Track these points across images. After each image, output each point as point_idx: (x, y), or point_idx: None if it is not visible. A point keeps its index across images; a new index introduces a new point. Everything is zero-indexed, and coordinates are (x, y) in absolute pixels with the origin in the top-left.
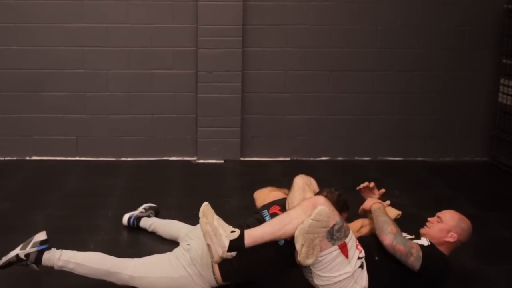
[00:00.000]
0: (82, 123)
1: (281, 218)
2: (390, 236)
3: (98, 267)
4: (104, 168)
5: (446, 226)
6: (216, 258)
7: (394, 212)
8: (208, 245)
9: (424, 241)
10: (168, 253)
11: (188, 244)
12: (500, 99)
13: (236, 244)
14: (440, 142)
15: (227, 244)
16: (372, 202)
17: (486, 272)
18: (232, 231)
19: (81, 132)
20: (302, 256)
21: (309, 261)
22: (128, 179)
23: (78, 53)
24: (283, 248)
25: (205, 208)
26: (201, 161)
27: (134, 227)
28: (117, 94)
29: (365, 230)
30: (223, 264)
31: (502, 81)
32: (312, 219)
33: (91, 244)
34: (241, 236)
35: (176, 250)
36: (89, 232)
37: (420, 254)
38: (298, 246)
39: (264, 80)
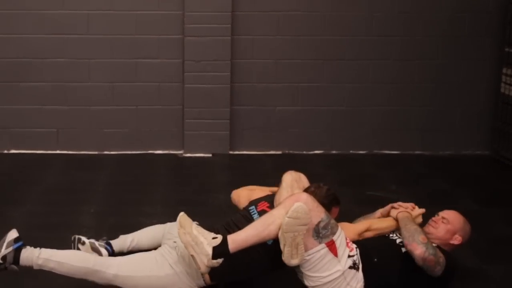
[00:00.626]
0: (63, 114)
1: (264, 219)
2: (422, 246)
3: (81, 265)
4: (86, 162)
5: (453, 228)
6: (203, 268)
7: (419, 218)
8: (192, 256)
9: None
10: (154, 251)
11: (174, 242)
12: (502, 90)
13: (220, 250)
14: (439, 135)
15: (210, 251)
16: (398, 211)
17: (487, 271)
18: (214, 237)
19: (61, 124)
20: (286, 256)
21: (294, 261)
22: (111, 173)
23: (59, 41)
24: (272, 248)
25: (182, 219)
26: (188, 154)
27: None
28: (99, 84)
29: (369, 235)
30: None
31: (504, 70)
32: (288, 217)
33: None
34: (224, 241)
35: (161, 248)
36: (70, 230)
37: (444, 261)
38: (281, 246)
39: (254, 70)
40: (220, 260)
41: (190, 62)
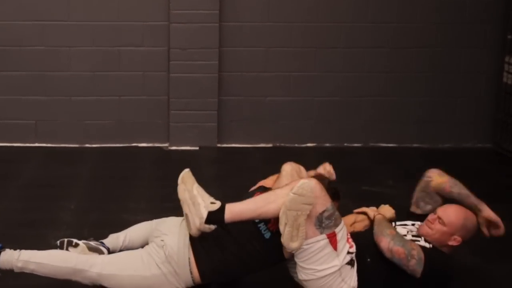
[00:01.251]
0: (42, 105)
1: (266, 196)
2: (387, 237)
3: (62, 265)
4: (66, 156)
5: (450, 229)
6: (194, 229)
7: (390, 213)
8: (186, 215)
9: (423, 243)
10: (140, 250)
11: (162, 240)
12: (505, 79)
13: (215, 217)
14: (438, 127)
15: (205, 215)
16: (374, 212)
17: (488, 270)
18: (212, 202)
19: (40, 116)
20: (286, 237)
21: (293, 245)
22: (92, 167)
23: (37, 28)
24: (269, 242)
25: (186, 175)
26: (174, 147)
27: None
28: (80, 73)
29: (359, 226)
30: (201, 261)
31: (507, 59)
32: (294, 193)
33: (52, 240)
34: (222, 208)
35: (148, 246)
36: (49, 227)
37: (422, 256)
38: (281, 227)
39: (244, 58)
40: (212, 227)
41: (176, 50)
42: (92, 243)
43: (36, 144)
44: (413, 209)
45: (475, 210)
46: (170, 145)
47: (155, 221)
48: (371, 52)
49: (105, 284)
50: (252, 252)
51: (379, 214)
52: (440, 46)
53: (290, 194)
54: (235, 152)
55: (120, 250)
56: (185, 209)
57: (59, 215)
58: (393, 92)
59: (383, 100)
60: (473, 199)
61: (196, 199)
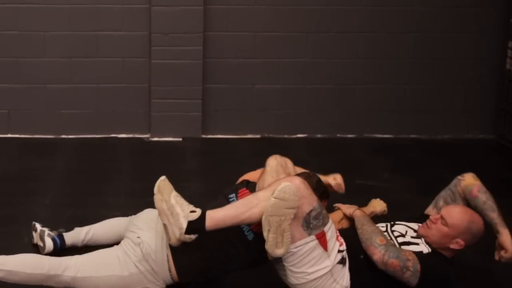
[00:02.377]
0: (15, 94)
1: (248, 200)
2: (380, 249)
3: (34, 271)
4: (40, 147)
5: (452, 231)
6: (174, 240)
7: (381, 207)
8: (164, 225)
9: (422, 247)
10: (115, 247)
11: (138, 237)
12: (508, 66)
13: (195, 226)
14: (437, 117)
15: (184, 225)
16: (353, 209)
17: (491, 270)
18: (192, 211)
19: (13, 105)
20: (270, 244)
21: (279, 251)
22: (69, 160)
23: (10, 11)
24: (252, 243)
25: (162, 183)
26: (155, 138)
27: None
28: (56, 59)
29: (347, 222)
30: (179, 258)
31: (510, 44)
32: (275, 197)
33: (25, 237)
34: (202, 217)
35: (123, 243)
36: (23, 223)
37: (418, 268)
38: (265, 233)
39: (230, 44)
40: (193, 236)
41: (157, 35)
42: (45, 233)
43: (9, 135)
44: (428, 210)
45: (493, 229)
46: (152, 136)
47: (132, 216)
48: (365, 37)
49: (80, 287)
50: (234, 253)
51: (358, 210)
52: (439, 31)
53: (271, 198)
54: (221, 143)
55: (83, 245)
56: (164, 219)
57: (33, 210)
58: (389, 80)
59: (378, 88)
60: (496, 216)
61: (174, 209)
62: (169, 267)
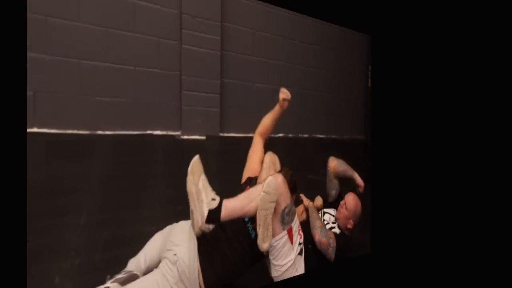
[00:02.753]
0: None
1: (249, 193)
2: (317, 230)
3: None
4: (74, 147)
5: (349, 214)
6: (196, 229)
7: (319, 201)
8: (192, 211)
9: (337, 229)
10: (155, 271)
11: (175, 255)
12: (369, 84)
13: (213, 216)
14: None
15: (206, 213)
16: (307, 201)
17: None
18: (213, 199)
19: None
20: (260, 238)
21: (265, 245)
22: (105, 164)
23: None
24: (254, 242)
25: (195, 164)
26: (185, 136)
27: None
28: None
29: (305, 215)
30: (207, 273)
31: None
32: (263, 191)
33: (56, 277)
34: (219, 207)
35: (162, 265)
36: (55, 258)
37: (335, 245)
38: (257, 228)
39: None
40: (211, 226)
41: (187, 16)
42: (121, 276)
43: (35, 130)
44: (329, 198)
45: (351, 178)
46: (182, 134)
47: (166, 229)
48: None
49: None
50: (242, 254)
51: (310, 202)
52: None
53: (261, 193)
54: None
55: (144, 273)
56: (191, 204)
57: (66, 236)
58: None
59: None
60: (350, 171)
61: (200, 194)
62: (199, 283)
